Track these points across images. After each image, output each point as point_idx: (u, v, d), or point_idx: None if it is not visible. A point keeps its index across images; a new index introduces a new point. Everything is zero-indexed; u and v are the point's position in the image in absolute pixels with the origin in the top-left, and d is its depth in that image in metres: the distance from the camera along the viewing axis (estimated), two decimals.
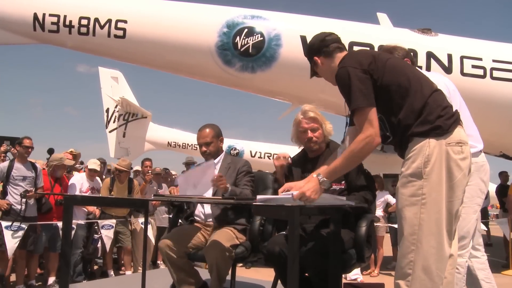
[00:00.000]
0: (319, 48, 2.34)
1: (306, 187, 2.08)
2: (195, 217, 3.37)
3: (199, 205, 3.35)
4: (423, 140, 2.03)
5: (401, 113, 2.08)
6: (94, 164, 6.41)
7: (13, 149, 6.82)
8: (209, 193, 3.24)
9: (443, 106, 2.10)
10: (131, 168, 7.16)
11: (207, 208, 3.30)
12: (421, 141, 2.03)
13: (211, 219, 3.27)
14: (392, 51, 2.91)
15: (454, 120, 2.08)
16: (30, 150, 5.63)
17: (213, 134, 3.34)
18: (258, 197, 2.31)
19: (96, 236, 6.16)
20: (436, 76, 2.87)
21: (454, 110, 2.16)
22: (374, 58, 2.16)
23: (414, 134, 2.05)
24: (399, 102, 2.09)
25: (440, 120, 2.04)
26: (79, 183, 6.23)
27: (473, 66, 6.78)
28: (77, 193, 5.93)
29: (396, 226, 7.42)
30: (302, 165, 2.98)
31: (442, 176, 2.01)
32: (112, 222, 6.20)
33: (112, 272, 6.35)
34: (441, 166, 2.00)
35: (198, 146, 3.45)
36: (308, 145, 2.96)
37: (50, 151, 7.02)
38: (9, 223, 5.28)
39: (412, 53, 6.73)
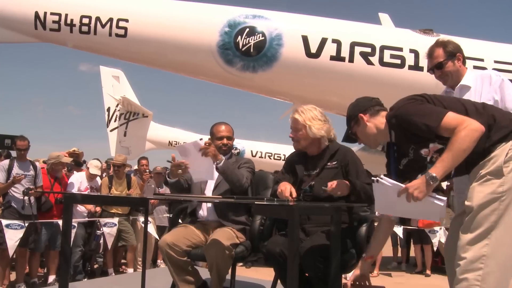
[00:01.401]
0: (366, 106, 2.38)
1: (411, 184, 2.08)
2: (197, 215, 3.36)
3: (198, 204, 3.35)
4: (505, 144, 2.05)
5: None
6: (95, 168, 6.37)
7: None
8: (209, 189, 3.27)
9: (507, 112, 2.17)
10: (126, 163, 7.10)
11: (207, 207, 3.30)
12: (502, 145, 2.05)
13: (211, 218, 3.27)
14: (447, 44, 2.98)
15: None
16: (23, 152, 5.60)
17: (232, 131, 3.44)
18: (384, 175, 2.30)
19: (98, 232, 6.15)
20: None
21: None
22: (423, 94, 2.23)
23: (494, 143, 2.06)
24: None
25: None
26: (78, 181, 6.20)
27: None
28: (75, 191, 5.92)
29: (396, 227, 7.43)
30: (303, 163, 2.97)
31: None
32: (115, 220, 6.19)
33: (112, 271, 6.35)
34: None
35: (213, 139, 3.35)
36: (293, 144, 2.99)
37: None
38: (10, 221, 5.28)
39: (413, 54, 6.82)
